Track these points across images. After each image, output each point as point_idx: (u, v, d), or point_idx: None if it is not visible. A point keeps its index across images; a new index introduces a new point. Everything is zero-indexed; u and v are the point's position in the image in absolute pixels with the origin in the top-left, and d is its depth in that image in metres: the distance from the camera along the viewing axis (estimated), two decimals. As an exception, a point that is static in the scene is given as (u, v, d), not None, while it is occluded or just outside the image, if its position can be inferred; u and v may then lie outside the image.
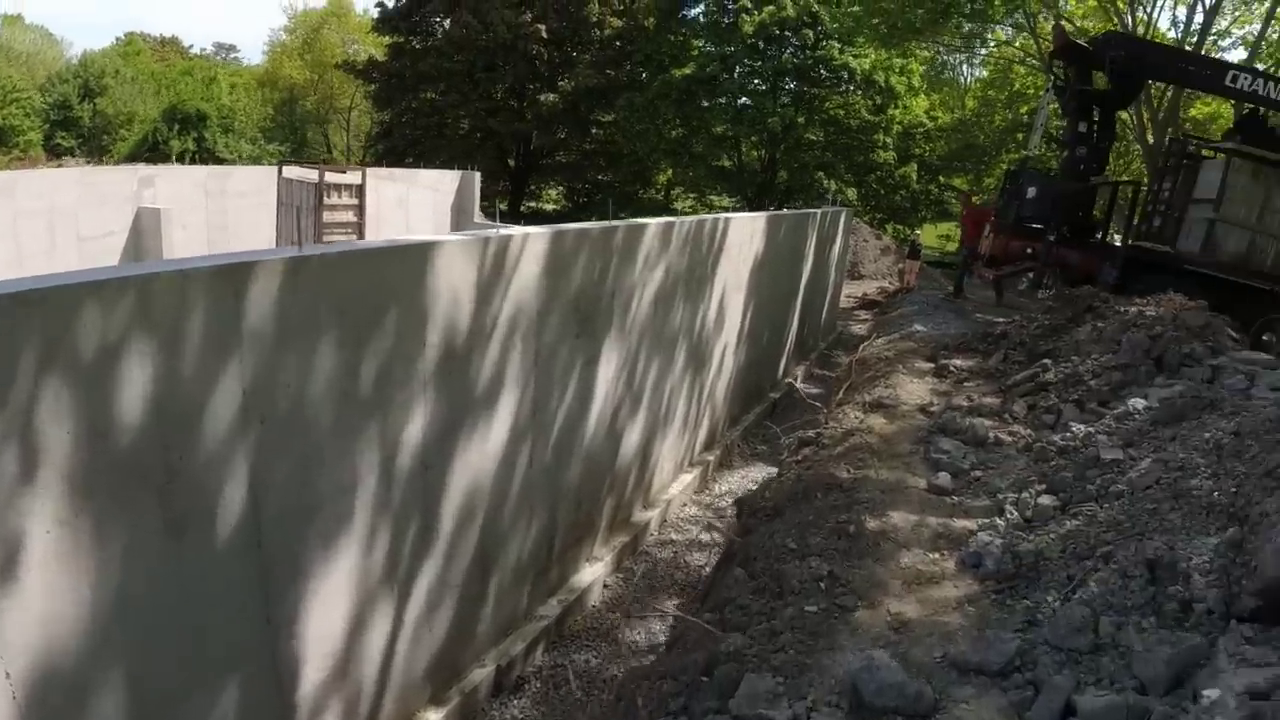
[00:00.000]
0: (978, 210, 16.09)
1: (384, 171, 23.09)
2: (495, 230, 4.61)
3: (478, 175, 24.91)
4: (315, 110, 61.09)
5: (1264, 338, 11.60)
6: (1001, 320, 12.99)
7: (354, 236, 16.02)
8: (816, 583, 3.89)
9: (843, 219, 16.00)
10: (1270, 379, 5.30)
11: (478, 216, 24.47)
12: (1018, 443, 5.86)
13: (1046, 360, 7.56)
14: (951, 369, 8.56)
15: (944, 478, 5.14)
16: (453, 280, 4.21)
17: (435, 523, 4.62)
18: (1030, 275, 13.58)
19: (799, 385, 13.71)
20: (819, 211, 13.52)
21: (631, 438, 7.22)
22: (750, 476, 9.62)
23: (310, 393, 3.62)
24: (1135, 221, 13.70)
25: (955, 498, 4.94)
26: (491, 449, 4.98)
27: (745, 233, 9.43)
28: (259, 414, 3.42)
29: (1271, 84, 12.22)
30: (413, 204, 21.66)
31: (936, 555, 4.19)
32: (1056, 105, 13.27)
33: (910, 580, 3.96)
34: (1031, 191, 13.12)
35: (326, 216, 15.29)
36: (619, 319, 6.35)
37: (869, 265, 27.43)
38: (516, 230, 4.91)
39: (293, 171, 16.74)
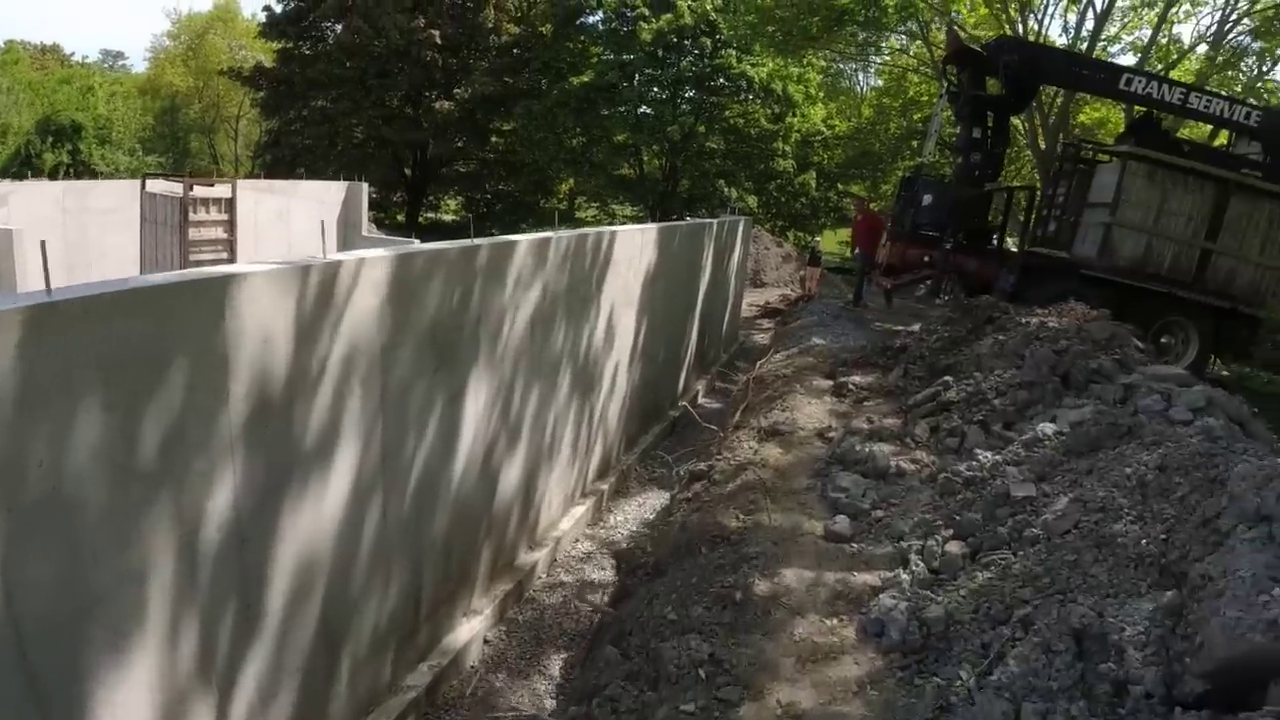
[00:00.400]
0: (871, 217, 15.96)
1: (263, 183, 21.91)
2: (319, 259, 3.96)
3: (365, 186, 23.91)
4: (200, 119, 58.53)
5: (1162, 340, 11.68)
6: (901, 329, 12.86)
7: (225, 255, 14.94)
8: (696, 669, 3.37)
9: (741, 228, 15.69)
10: (1188, 398, 5.02)
11: (367, 229, 23.46)
12: (921, 472, 5.47)
13: (948, 377, 7.24)
14: (850, 387, 8.21)
15: (842, 522, 4.69)
16: (263, 319, 3.55)
17: (260, 602, 3.94)
18: (928, 283, 13.60)
19: (701, 399, 13.31)
20: (715, 221, 13.15)
21: (511, 474, 6.61)
22: (648, 504, 9.11)
23: (72, 469, 2.92)
24: (1031, 227, 13.71)
25: (855, 545, 4.49)
26: (330, 509, 4.32)
27: (634, 246, 8.92)
28: (3, 502, 2.72)
29: (1165, 87, 12.34)
30: (295, 217, 20.52)
31: (835, 622, 3.72)
32: (950, 112, 13.19)
33: (805, 657, 3.47)
34: (927, 198, 12.90)
35: (193, 234, 14.21)
36: (488, 347, 5.75)
37: (771, 273, 27.35)
38: (349, 256, 4.26)
39: (157, 185, 15.58)
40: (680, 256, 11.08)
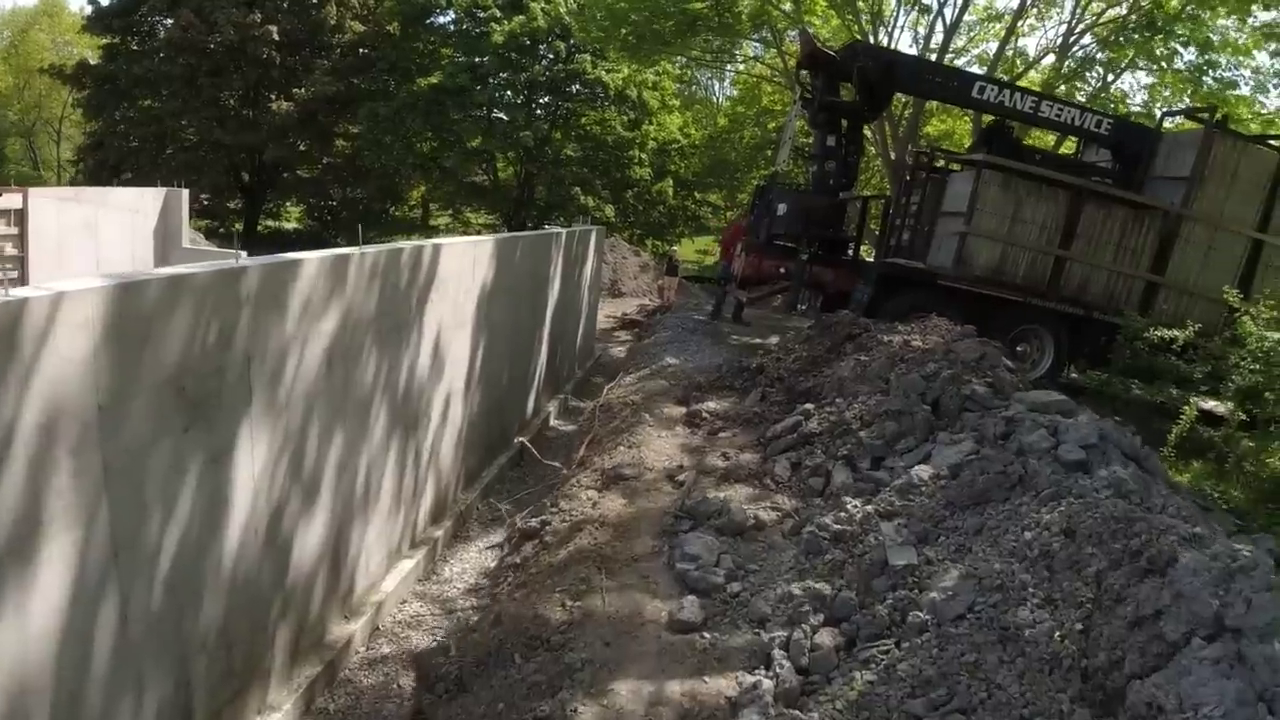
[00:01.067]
0: (738, 228, 15.48)
1: (68, 191, 19.56)
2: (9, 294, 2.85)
3: (185, 193, 21.79)
4: (20, 121, 53.56)
5: (1018, 349, 11.52)
6: (759, 342, 12.32)
7: (14, 274, 12.96)
8: None
9: (594, 238, 14.89)
10: (1077, 434, 4.47)
11: (189, 240, 21.38)
12: (783, 523, 4.74)
13: (808, 405, 6.61)
14: (704, 415, 7.49)
15: (691, 606, 3.89)
16: None
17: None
18: (784, 295, 13.06)
19: (554, 420, 12.41)
20: (564, 231, 12.27)
21: (311, 537, 5.52)
22: (492, 549, 8.10)
23: None
24: (885, 237, 13.39)
25: (706, 635, 3.69)
26: (38, 626, 3.21)
27: (465, 261, 7.94)
28: None
29: (1017, 95, 12.24)
30: (104, 229, 18.32)
31: (681, 762, 2.90)
32: (804, 119, 12.75)
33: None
34: (781, 208, 12.33)
35: (-29, 249, 12.26)
36: (265, 392, 4.68)
37: (629, 282, 26.71)
38: (40, 291, 3.17)
39: (-68, 196, 13.45)
40: (524, 270, 10.15)
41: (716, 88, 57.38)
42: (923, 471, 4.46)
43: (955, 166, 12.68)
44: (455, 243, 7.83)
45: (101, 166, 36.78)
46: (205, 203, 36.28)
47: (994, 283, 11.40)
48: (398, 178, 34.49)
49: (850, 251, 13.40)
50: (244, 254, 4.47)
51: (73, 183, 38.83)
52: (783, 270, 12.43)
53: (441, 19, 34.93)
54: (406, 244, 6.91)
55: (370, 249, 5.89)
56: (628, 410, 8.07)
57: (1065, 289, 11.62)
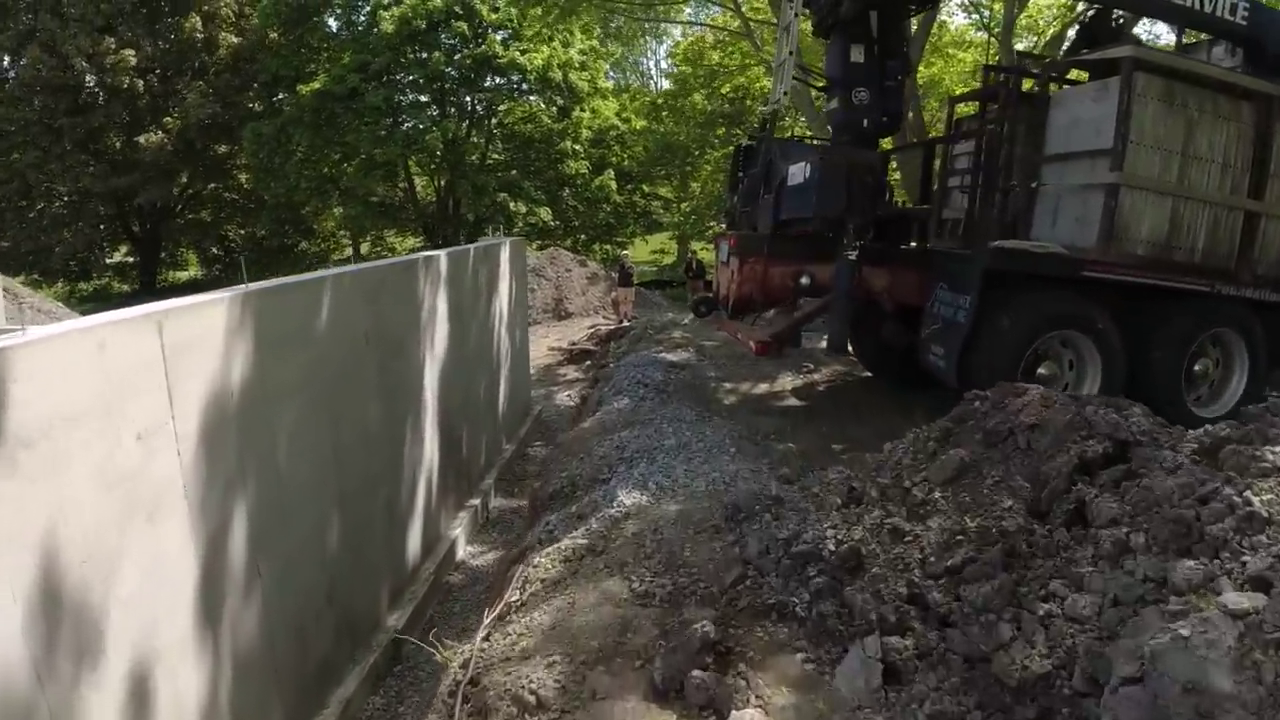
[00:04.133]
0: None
1: None
2: None
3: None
4: None
5: (1195, 368, 7.21)
6: (788, 404, 7.88)
7: None
8: None
9: (505, 254, 10.37)
10: None
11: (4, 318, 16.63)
12: None
13: None
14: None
15: None
16: None
17: None
18: (812, 312, 7.65)
19: (463, 551, 7.94)
20: (445, 254, 7.77)
21: None
22: None
23: None
24: (939, 207, 8.08)
25: None
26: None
27: (209, 347, 3.50)
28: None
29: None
30: None
31: None
32: (810, 17, 7.71)
33: None
34: (798, 174, 6.99)
35: None
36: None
37: (576, 299, 22.27)
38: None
39: None
40: (356, 331, 5.68)
41: (652, 67, 53.11)
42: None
43: (1078, 76, 8.11)
44: (177, 308, 3.42)
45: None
46: (73, 264, 31.36)
47: (1164, 265, 6.82)
48: (304, 207, 29.64)
49: (912, 238, 8.25)
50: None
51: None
52: (805, 281, 7.30)
53: (331, 21, 30.18)
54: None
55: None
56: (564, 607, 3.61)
57: (1262, 264, 7.10)
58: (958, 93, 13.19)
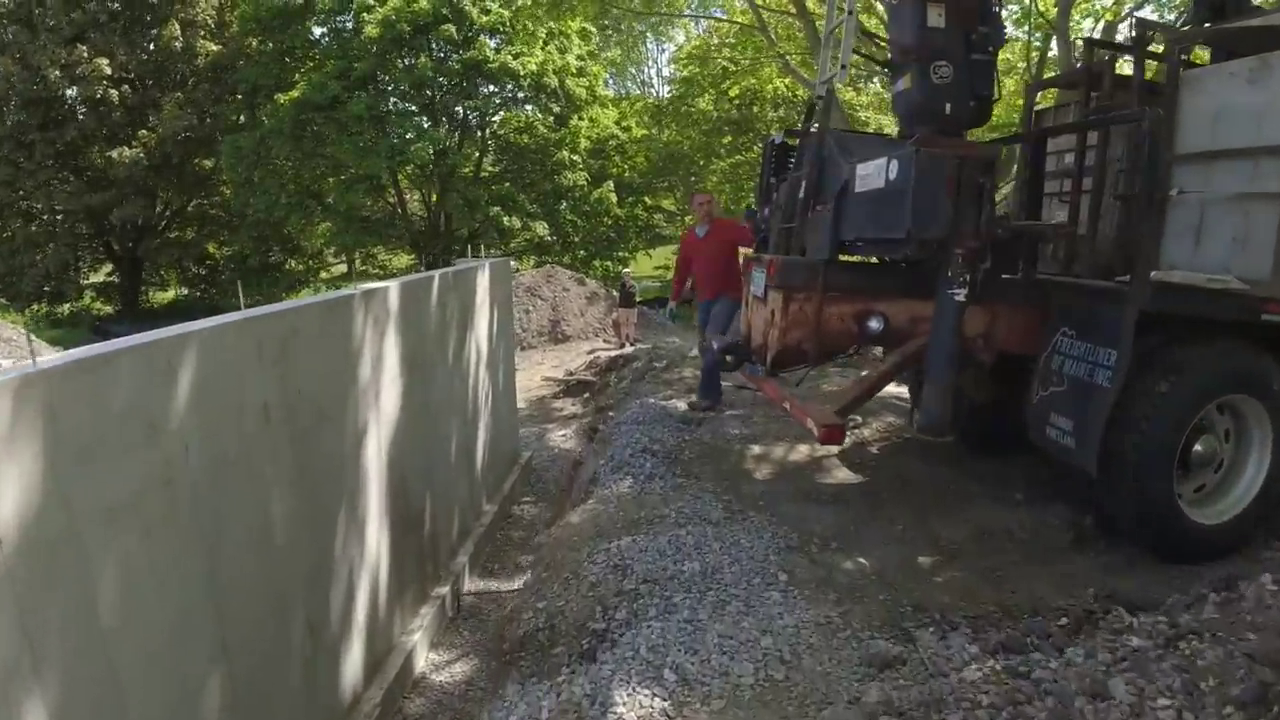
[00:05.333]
0: (725, 227, 8.81)
1: None
2: None
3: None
4: None
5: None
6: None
7: None
8: None
9: (485, 278, 8.73)
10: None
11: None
12: None
13: None
14: None
15: None
16: None
17: None
18: (921, 393, 5.55)
19: (423, 663, 6.28)
20: (400, 285, 6.13)
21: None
22: None
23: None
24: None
25: None
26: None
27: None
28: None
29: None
30: None
31: None
32: None
33: None
34: (873, 176, 4.88)
35: None
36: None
37: (574, 321, 20.64)
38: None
39: None
40: (251, 413, 4.05)
41: (654, 76, 51.73)
42: None
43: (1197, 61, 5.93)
44: None
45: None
46: (46, 287, 29.73)
47: None
48: (285, 224, 28.03)
49: (1027, 262, 5.67)
50: None
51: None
52: (875, 325, 5.25)
53: (315, 29, 28.58)
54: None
55: None
56: None
57: None
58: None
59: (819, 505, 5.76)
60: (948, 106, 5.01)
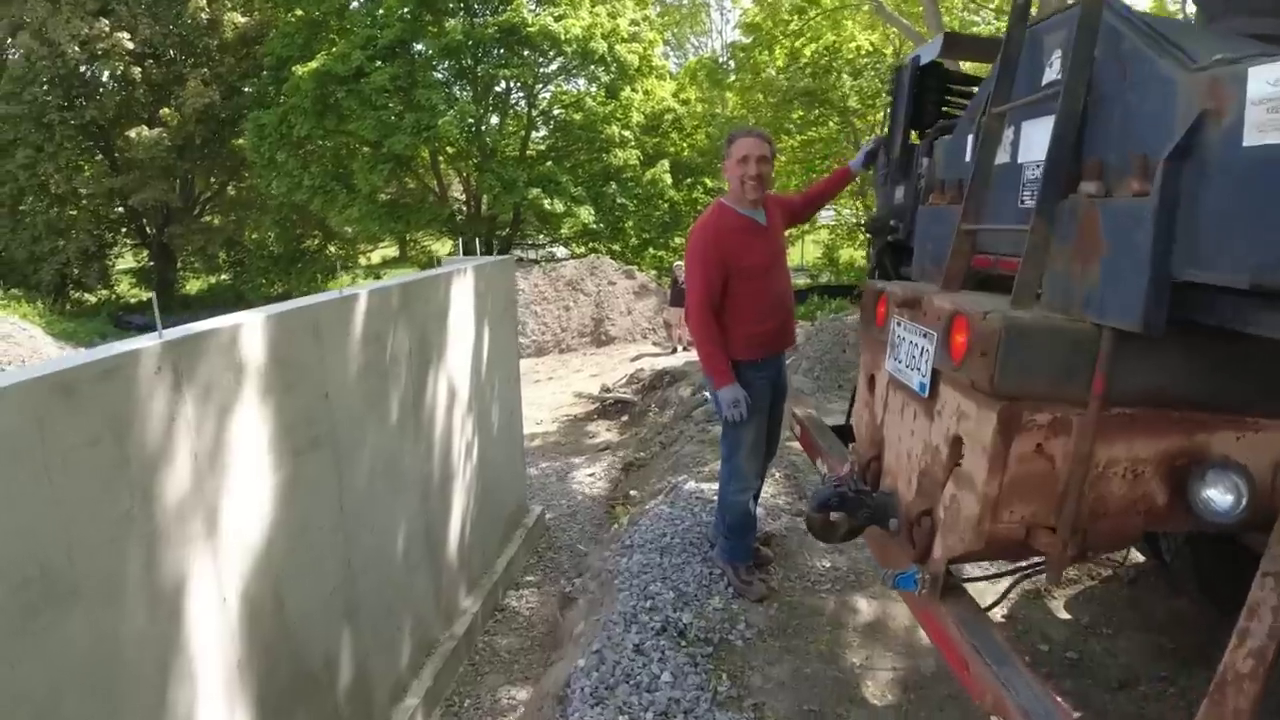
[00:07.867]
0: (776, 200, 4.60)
1: None
2: None
3: None
4: None
5: None
6: None
7: None
8: None
9: (465, 287, 6.24)
10: None
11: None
12: None
13: None
14: None
15: None
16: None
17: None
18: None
19: None
20: (268, 317, 3.67)
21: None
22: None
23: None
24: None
25: None
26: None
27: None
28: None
29: None
30: None
31: None
32: None
33: None
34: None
35: None
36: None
37: (620, 320, 18.15)
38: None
39: None
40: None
41: (718, 47, 48.58)
42: None
43: None
44: None
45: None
46: (68, 275, 28.13)
47: None
48: (309, 206, 25.97)
49: None
50: None
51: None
52: (1218, 495, 2.00)
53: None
54: None
55: None
56: None
57: None
58: None
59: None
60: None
